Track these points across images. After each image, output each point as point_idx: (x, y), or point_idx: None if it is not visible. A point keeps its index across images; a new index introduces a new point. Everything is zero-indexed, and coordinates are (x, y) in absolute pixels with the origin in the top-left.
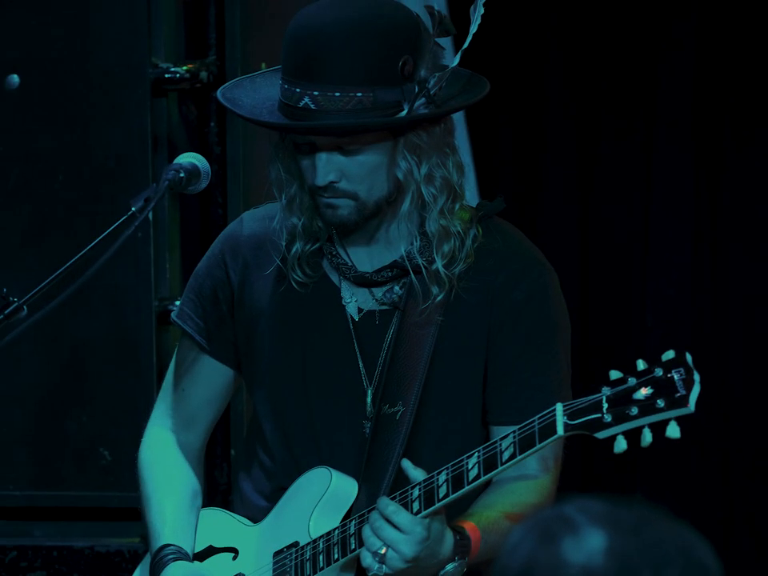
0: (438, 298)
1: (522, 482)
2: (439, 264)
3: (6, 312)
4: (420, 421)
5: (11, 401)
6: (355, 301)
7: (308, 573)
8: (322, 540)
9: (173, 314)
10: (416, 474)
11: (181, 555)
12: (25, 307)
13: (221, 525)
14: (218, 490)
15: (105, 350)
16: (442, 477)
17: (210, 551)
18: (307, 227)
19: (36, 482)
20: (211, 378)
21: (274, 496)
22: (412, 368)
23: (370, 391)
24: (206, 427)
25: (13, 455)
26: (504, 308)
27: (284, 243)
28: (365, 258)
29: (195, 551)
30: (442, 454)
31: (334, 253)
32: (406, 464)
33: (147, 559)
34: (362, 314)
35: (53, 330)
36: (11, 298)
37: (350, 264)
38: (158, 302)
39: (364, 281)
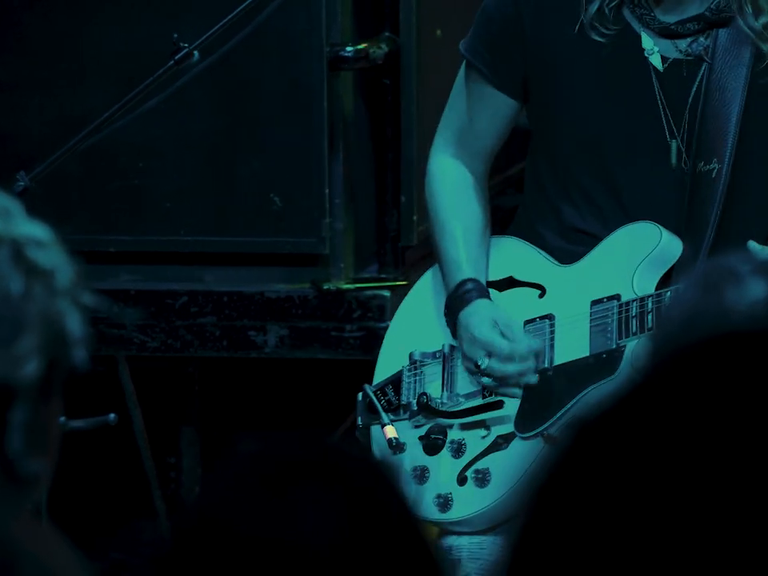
0: (748, 50)
1: None
2: (748, 14)
3: (176, 57)
4: (736, 179)
5: (183, 146)
6: (658, 51)
7: (634, 330)
8: (651, 299)
9: (461, 46)
10: None
11: (482, 292)
12: (196, 52)
13: (523, 256)
14: (388, 237)
15: (276, 97)
16: None
17: (511, 283)
18: None
19: (207, 227)
20: (497, 110)
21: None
22: (724, 124)
23: (674, 143)
24: (492, 156)
25: (184, 200)
26: None
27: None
28: (669, 7)
29: (493, 279)
30: (763, 212)
31: (636, 2)
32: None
33: (426, 281)
34: (666, 64)
35: (224, 75)
36: (182, 44)
37: (652, 14)
38: (329, 48)
39: (669, 32)
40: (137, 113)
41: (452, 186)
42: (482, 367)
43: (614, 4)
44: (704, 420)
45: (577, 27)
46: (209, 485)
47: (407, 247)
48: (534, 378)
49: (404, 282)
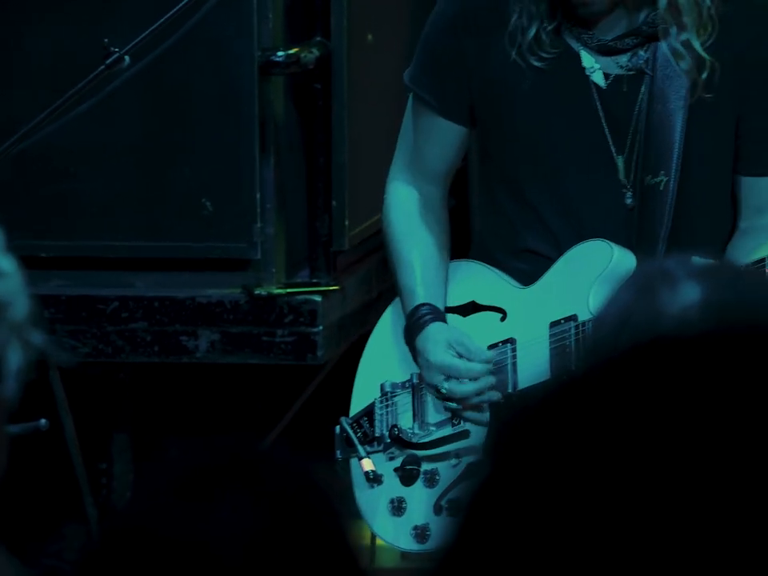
0: (685, 62)
1: None
2: (672, 36)
3: (107, 62)
4: (683, 190)
5: (114, 151)
6: (599, 68)
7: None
8: None
9: (405, 77)
10: None
11: (437, 316)
12: (127, 57)
13: (485, 280)
14: (319, 242)
15: (207, 101)
16: None
17: (474, 308)
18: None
19: (138, 232)
20: (447, 138)
21: (522, 257)
22: (668, 135)
23: (621, 159)
24: (447, 180)
25: (115, 205)
26: (754, 65)
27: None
28: (606, 26)
29: (456, 304)
30: (710, 221)
31: (573, 22)
32: None
33: (392, 310)
34: (609, 81)
35: (155, 80)
36: (113, 48)
37: (590, 32)
38: (260, 53)
39: (608, 49)
40: (68, 117)
41: (407, 215)
42: (443, 392)
43: (550, 28)
44: (627, 428)
45: (515, 53)
46: (134, 490)
47: (339, 252)
48: (495, 395)
49: (336, 287)
